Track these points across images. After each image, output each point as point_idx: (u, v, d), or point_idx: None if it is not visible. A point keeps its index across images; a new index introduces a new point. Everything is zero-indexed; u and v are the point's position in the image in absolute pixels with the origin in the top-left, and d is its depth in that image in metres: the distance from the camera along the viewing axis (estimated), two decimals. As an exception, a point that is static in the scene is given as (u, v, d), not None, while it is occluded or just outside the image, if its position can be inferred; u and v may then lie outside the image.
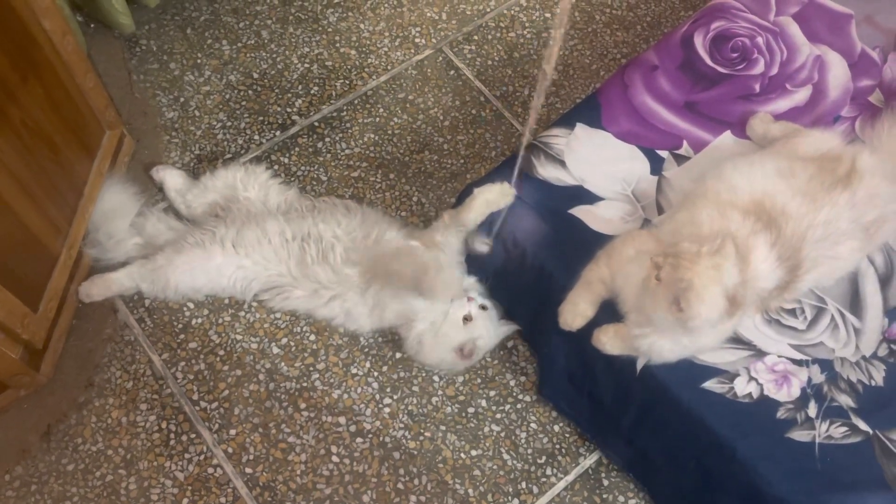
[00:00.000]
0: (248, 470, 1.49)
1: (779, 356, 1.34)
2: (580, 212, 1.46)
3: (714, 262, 1.15)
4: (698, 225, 1.30)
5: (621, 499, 1.52)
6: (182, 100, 1.88)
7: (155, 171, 1.71)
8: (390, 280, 1.48)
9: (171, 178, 1.69)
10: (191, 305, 1.64)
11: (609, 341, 1.34)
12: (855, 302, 1.38)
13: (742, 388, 1.32)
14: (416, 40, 2.02)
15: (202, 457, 1.50)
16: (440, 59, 2.00)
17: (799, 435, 1.28)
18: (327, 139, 1.86)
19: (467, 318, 1.51)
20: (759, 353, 1.34)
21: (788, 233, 1.28)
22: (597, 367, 1.42)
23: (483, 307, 1.54)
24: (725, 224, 1.28)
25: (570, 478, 1.53)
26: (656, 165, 1.52)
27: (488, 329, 1.54)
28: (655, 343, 1.25)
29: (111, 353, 1.58)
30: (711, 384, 1.32)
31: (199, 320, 1.63)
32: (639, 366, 1.35)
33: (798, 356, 1.34)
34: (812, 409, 1.30)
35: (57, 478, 1.46)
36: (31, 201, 1.38)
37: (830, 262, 1.34)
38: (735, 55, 1.64)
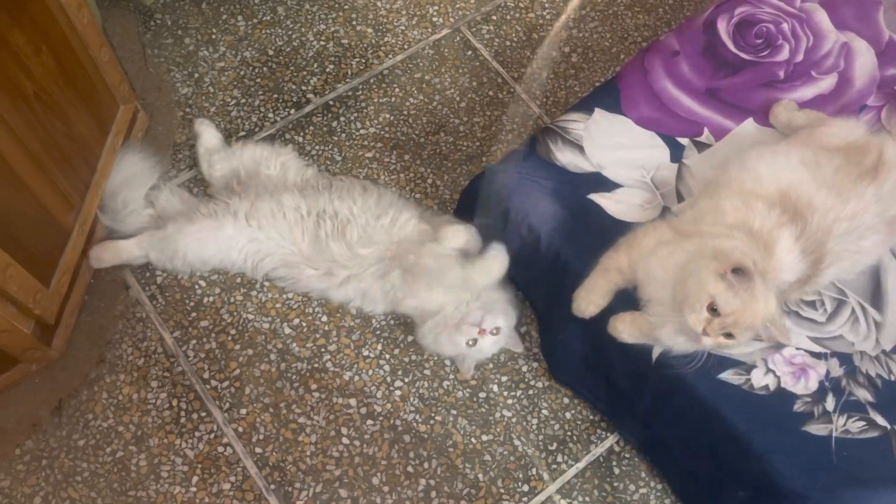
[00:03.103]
0: (258, 450, 1.49)
1: (797, 348, 1.32)
2: (598, 198, 1.44)
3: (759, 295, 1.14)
4: (722, 214, 1.28)
5: (632, 487, 1.51)
6: (196, 76, 1.86)
7: (198, 123, 1.72)
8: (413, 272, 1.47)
9: (208, 134, 1.70)
10: (203, 284, 1.63)
11: (625, 329, 1.33)
12: (876, 295, 1.36)
13: (759, 379, 1.30)
14: (434, 19, 1.99)
15: (212, 435, 1.50)
16: (458, 38, 1.97)
17: (815, 429, 1.27)
18: (342, 118, 1.83)
19: (471, 344, 1.46)
20: (777, 345, 1.32)
21: (814, 226, 1.26)
22: (612, 354, 1.41)
23: (495, 330, 1.46)
24: (750, 214, 1.26)
25: (581, 465, 1.52)
26: (676, 153, 1.49)
27: (491, 351, 1.51)
28: (675, 335, 1.24)
29: (123, 330, 1.57)
30: (728, 375, 1.30)
31: (211, 299, 1.62)
32: (654, 355, 1.34)
33: (817, 349, 1.33)
34: (830, 403, 1.29)
35: (67, 453, 1.46)
36: (43, 175, 1.37)
37: (853, 256, 1.32)
38: (759, 41, 1.60)
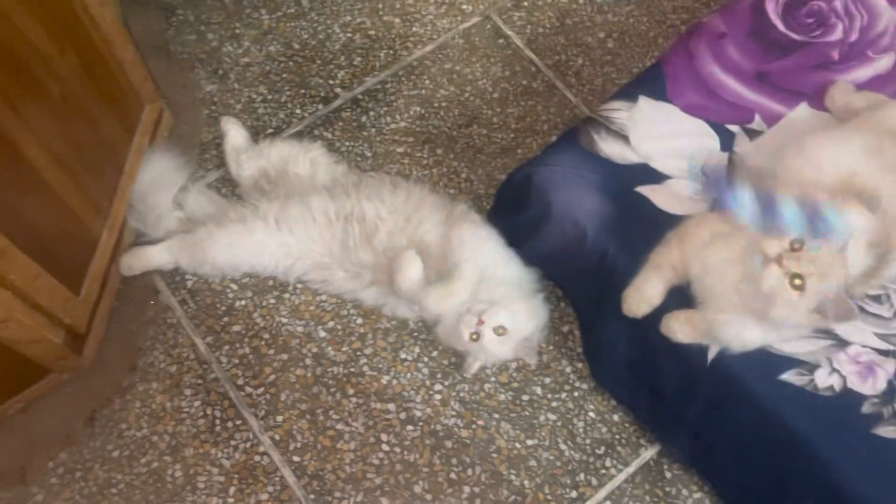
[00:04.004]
0: (296, 458, 1.44)
1: (863, 346, 1.25)
2: (647, 191, 1.37)
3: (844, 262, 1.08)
4: None
5: (685, 492, 1.45)
6: (221, 72, 1.81)
7: (224, 121, 1.68)
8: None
9: (235, 133, 1.66)
10: (234, 287, 1.59)
11: (680, 329, 1.26)
12: (947, 288, 1.28)
13: (823, 380, 1.23)
14: (463, 7, 1.92)
15: (248, 444, 1.45)
16: (488, 26, 1.90)
17: (886, 431, 1.20)
18: (371, 113, 1.78)
19: (473, 337, 1.38)
20: (842, 343, 1.25)
21: (880, 217, 1.18)
22: (662, 356, 1.34)
23: (501, 330, 1.38)
24: None
25: (630, 470, 1.46)
26: (726, 141, 1.42)
27: (493, 355, 1.43)
28: (740, 332, 1.17)
29: (154, 337, 1.53)
30: (790, 376, 1.23)
31: (243, 302, 1.57)
32: (710, 355, 1.27)
33: (884, 346, 1.25)
34: None
35: (102, 464, 1.43)
36: (71, 180, 1.32)
37: None
38: (810, 20, 1.52)
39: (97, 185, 1.41)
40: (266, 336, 1.55)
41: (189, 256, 1.53)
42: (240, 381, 1.50)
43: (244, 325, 1.55)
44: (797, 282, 1.09)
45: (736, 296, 1.17)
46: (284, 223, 1.50)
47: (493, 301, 1.39)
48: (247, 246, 1.50)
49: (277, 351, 1.53)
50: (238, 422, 1.47)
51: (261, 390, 1.50)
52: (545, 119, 1.78)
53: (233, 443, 1.45)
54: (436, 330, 1.48)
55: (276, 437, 1.46)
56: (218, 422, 1.47)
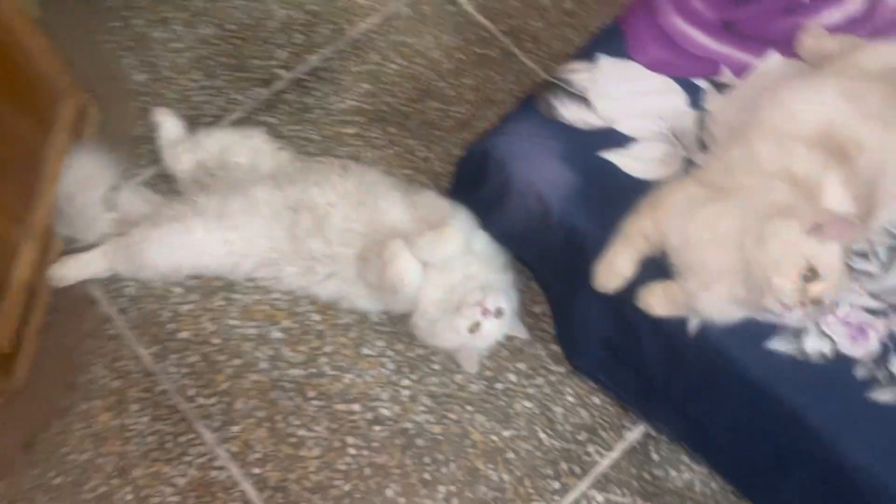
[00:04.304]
0: (256, 470, 1.34)
1: (851, 305, 1.16)
2: (613, 156, 1.27)
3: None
4: (757, 162, 1.13)
5: (673, 473, 1.36)
6: (151, 60, 1.68)
7: (157, 112, 1.56)
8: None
9: (169, 124, 1.54)
10: (178, 291, 1.47)
11: (657, 302, 1.17)
12: (937, 237, 1.20)
13: (813, 345, 1.15)
14: (408, -26, 1.80)
15: (204, 459, 1.34)
16: (436, -7, 1.79)
17: (882, 396, 1.12)
18: (317, 93, 1.66)
19: (474, 329, 1.30)
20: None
21: (862, 167, 1.10)
22: (641, 332, 1.25)
23: (500, 311, 1.30)
24: (789, 160, 1.11)
25: (615, 454, 1.37)
26: (695, 97, 1.32)
27: (496, 337, 1.34)
28: (721, 303, 1.08)
29: (93, 351, 1.41)
30: (777, 344, 1.14)
31: (189, 307, 1.46)
32: (691, 328, 1.18)
33: (874, 304, 1.17)
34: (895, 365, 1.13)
35: (44, 493, 1.31)
36: (-23, 186, 1.20)
37: None
38: (776, -38, 1.42)
39: (10, 189, 1.28)
40: (216, 341, 1.43)
41: (126, 261, 1.42)
42: (190, 392, 1.39)
43: (192, 331, 1.44)
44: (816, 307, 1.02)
45: (725, 281, 1.08)
46: (226, 218, 1.39)
47: (483, 285, 1.30)
48: (186, 245, 1.39)
49: (229, 356, 1.42)
50: (191, 436, 1.36)
51: (214, 400, 1.39)
52: (503, 88, 1.67)
53: (186, 459, 1.34)
54: (412, 325, 1.37)
55: (234, 449, 1.36)
56: (169, 437, 1.36)
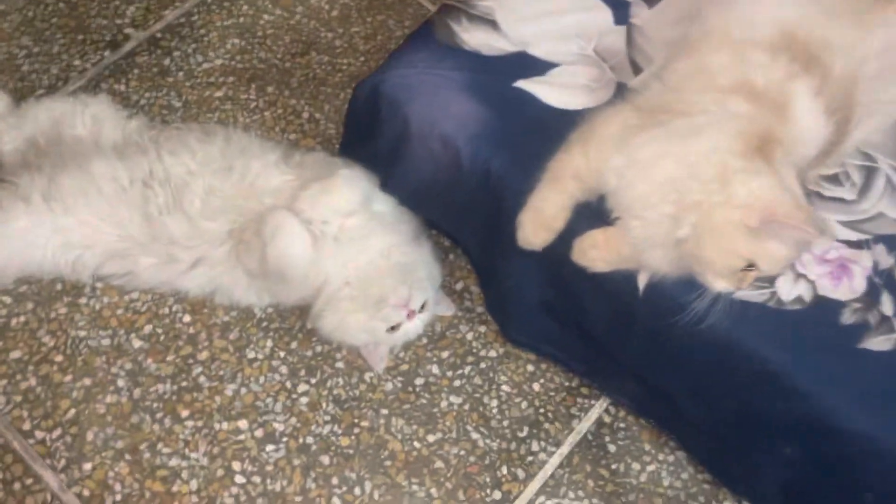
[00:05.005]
0: (117, 516, 1.05)
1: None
2: (529, 85, 1.05)
3: None
4: (710, 75, 0.94)
5: (636, 466, 1.14)
6: (-33, 26, 1.38)
7: None
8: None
9: None
10: (7, 300, 1.18)
11: (597, 255, 0.96)
12: (915, 153, 1.02)
13: (788, 290, 0.95)
14: (280, -86, 1.55)
15: (46, 509, 1.05)
16: (315, -66, 1.54)
17: (875, 343, 0.93)
18: (176, 53, 1.39)
19: (390, 330, 1.10)
20: (804, 243, 0.96)
21: (837, 72, 0.92)
22: (583, 292, 1.04)
23: (424, 306, 1.12)
24: (748, 69, 0.92)
25: (564, 450, 1.14)
26: (620, 12, 1.12)
27: (418, 332, 1.15)
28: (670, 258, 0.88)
29: None
30: (745, 292, 0.93)
31: (22, 319, 1.17)
32: (641, 283, 0.96)
33: (854, 236, 0.98)
34: (887, 305, 0.95)
35: None
36: None
37: (884, 108, 1.00)
38: None
39: None
40: (59, 359, 1.14)
41: (-69, 267, 1.11)
42: (26, 426, 1.10)
43: (26, 348, 1.15)
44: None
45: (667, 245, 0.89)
46: (56, 201, 1.11)
47: (402, 275, 1.10)
48: (7, 238, 1.11)
49: (77, 376, 1.13)
50: (28, 480, 1.07)
51: (57, 433, 1.10)
52: (400, 35, 1.45)
53: (23, 511, 1.05)
54: (313, 316, 1.13)
55: (85, 492, 1.06)
56: (0, 485, 1.06)
